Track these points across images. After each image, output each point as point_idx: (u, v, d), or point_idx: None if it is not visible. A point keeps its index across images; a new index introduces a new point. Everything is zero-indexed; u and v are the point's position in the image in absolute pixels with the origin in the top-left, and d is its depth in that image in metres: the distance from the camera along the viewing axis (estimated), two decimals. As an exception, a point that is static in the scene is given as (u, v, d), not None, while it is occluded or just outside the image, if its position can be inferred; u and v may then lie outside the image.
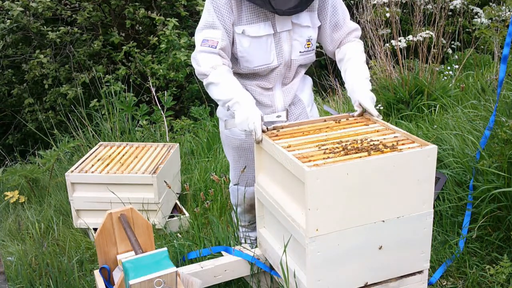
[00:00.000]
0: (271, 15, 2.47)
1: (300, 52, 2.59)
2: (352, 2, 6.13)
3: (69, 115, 5.82)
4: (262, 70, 2.57)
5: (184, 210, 3.81)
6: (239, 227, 3.05)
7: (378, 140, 2.19)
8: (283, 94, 2.69)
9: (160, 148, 3.94)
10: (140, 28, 7.67)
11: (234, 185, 2.94)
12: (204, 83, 2.47)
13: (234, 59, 2.59)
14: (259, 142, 2.30)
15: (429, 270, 2.36)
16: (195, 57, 2.49)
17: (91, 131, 5.19)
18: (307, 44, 2.60)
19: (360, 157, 2.03)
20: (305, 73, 2.80)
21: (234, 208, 3.02)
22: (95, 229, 3.44)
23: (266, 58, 2.54)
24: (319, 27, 2.63)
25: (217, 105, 2.88)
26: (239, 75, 2.64)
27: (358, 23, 5.22)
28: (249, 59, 2.53)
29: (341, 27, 2.63)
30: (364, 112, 2.48)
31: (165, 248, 1.97)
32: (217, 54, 2.46)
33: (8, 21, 7.19)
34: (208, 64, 2.44)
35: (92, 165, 3.63)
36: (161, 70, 6.85)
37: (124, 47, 7.19)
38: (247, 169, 2.84)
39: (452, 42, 6.11)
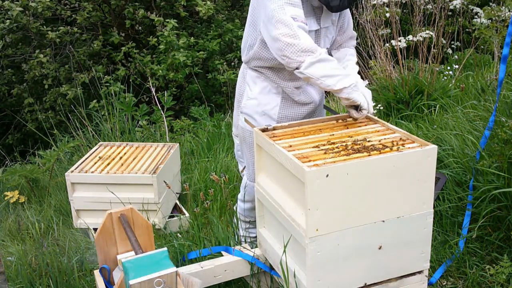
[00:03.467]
0: (318, 11, 2.50)
1: (327, 48, 2.65)
2: (352, 2, 6.12)
3: (69, 115, 5.82)
4: None
5: (184, 210, 3.81)
6: (241, 224, 3.05)
7: (378, 140, 2.20)
8: (313, 88, 2.72)
9: (160, 148, 3.94)
10: (140, 28, 7.67)
11: (252, 182, 2.92)
12: (307, 60, 2.31)
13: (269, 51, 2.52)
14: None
15: (429, 270, 2.36)
16: (294, 33, 2.31)
17: (91, 131, 5.18)
18: (330, 41, 2.68)
19: (360, 157, 2.04)
20: None
21: (246, 205, 3.00)
22: (95, 229, 3.43)
23: None
24: None
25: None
26: (276, 74, 2.62)
27: (358, 23, 5.23)
28: None
29: (344, 31, 2.73)
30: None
31: (165, 248, 1.97)
32: (307, 32, 2.39)
33: (8, 21, 7.19)
34: (310, 39, 2.35)
35: (92, 165, 3.63)
36: (160, 71, 6.85)
37: (123, 48, 7.19)
38: None
39: (452, 42, 6.11)
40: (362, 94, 2.40)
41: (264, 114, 2.70)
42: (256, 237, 3.04)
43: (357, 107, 2.41)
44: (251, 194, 2.94)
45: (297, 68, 2.34)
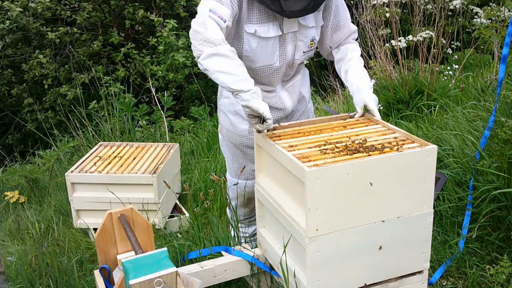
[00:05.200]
0: (280, 16, 2.43)
1: (303, 52, 2.59)
2: (352, 2, 6.14)
3: (69, 115, 5.82)
4: (264, 71, 2.56)
5: (184, 210, 3.81)
6: (240, 224, 3.05)
7: (378, 140, 2.20)
8: (288, 94, 2.70)
9: (160, 148, 3.94)
10: (140, 28, 7.67)
11: (233, 178, 2.94)
12: (206, 51, 2.22)
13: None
14: (261, 131, 2.28)
15: (429, 270, 2.36)
16: (203, 22, 2.25)
17: (91, 131, 5.19)
18: (310, 44, 2.60)
19: (360, 157, 2.04)
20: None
21: (232, 202, 3.01)
22: (95, 229, 3.43)
23: (270, 59, 2.52)
24: (321, 26, 2.63)
25: (216, 105, 2.86)
26: None
27: (358, 23, 5.23)
28: (254, 59, 2.51)
29: (341, 29, 2.64)
30: (365, 113, 2.49)
31: (165, 248, 1.97)
32: (223, 29, 2.29)
33: (8, 21, 7.19)
34: (218, 33, 2.23)
35: (92, 165, 3.63)
36: (160, 72, 6.85)
37: (123, 49, 7.19)
38: (246, 163, 2.84)
39: (452, 42, 6.11)
40: (264, 103, 2.21)
41: (236, 114, 2.72)
42: (251, 236, 3.05)
43: (260, 118, 2.22)
44: (233, 191, 2.95)
45: (198, 58, 2.27)
